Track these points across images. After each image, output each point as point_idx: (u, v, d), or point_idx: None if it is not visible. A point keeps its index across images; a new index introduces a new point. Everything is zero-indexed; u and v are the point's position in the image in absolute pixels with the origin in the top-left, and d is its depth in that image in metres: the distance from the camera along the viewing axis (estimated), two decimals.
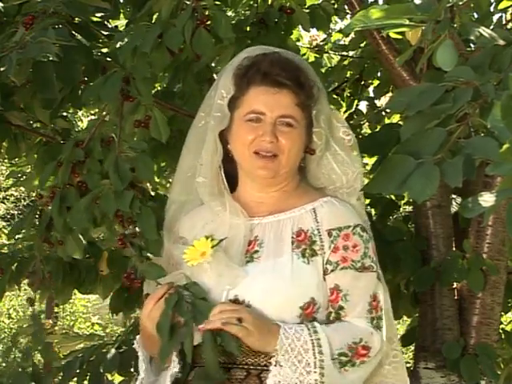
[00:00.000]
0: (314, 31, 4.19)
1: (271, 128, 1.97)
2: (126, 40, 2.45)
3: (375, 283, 2.00)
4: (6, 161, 6.77)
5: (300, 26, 3.45)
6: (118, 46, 2.53)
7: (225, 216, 2.05)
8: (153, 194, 3.21)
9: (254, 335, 1.87)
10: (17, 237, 3.41)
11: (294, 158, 2.02)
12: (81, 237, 2.36)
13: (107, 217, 2.24)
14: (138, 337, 2.06)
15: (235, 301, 1.96)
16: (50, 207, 2.29)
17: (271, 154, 1.98)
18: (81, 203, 2.21)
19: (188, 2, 2.38)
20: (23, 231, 2.91)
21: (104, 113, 2.42)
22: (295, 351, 1.87)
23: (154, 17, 2.69)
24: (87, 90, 2.44)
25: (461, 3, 1.70)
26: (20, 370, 2.61)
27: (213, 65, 3.27)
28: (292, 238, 1.99)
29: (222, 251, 1.99)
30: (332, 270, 1.97)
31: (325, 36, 4.52)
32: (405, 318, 3.96)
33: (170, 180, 4.66)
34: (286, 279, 1.94)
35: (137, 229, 2.19)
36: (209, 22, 2.35)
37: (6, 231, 9.63)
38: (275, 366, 1.87)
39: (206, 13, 2.36)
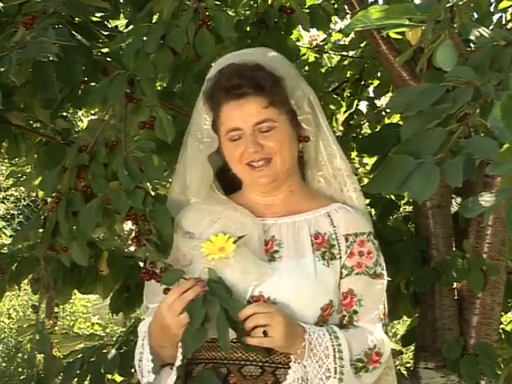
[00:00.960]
0: (314, 31, 4.19)
1: (252, 138, 1.99)
2: (127, 42, 2.45)
3: (384, 290, 2.04)
4: (6, 161, 6.77)
5: (300, 26, 3.45)
6: (119, 47, 2.53)
7: (234, 215, 2.07)
8: (153, 193, 3.21)
9: (279, 342, 1.88)
10: None
11: (288, 154, 2.03)
12: (85, 243, 2.35)
13: (109, 215, 2.23)
14: (143, 332, 2.05)
15: (259, 297, 1.96)
16: (54, 213, 2.27)
17: (263, 161, 2.00)
18: (91, 205, 2.19)
19: (188, 3, 2.38)
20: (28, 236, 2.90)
21: (107, 116, 2.41)
22: (317, 356, 1.90)
23: (155, 17, 2.69)
24: (93, 91, 2.44)
25: (461, 3, 1.70)
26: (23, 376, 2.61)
27: (212, 65, 3.26)
28: (311, 240, 2.02)
29: (245, 248, 2.00)
30: (347, 275, 2.01)
31: (325, 36, 4.52)
32: (405, 318, 3.95)
33: (170, 180, 4.67)
34: (311, 280, 1.97)
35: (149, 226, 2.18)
36: (210, 23, 2.35)
37: (6, 231, 9.62)
38: (295, 363, 1.91)
39: (208, 13, 2.36)
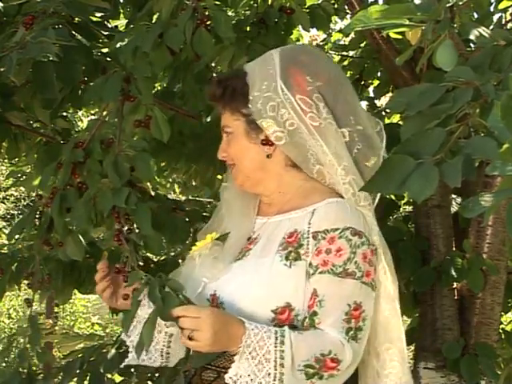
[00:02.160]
0: (314, 31, 4.19)
1: (221, 144, 2.09)
2: (126, 40, 2.45)
3: (359, 291, 1.91)
4: (6, 161, 6.77)
5: (300, 26, 3.44)
6: (118, 46, 2.52)
7: (235, 211, 2.10)
8: (153, 193, 3.22)
9: (205, 348, 1.83)
10: (17, 237, 3.40)
11: (247, 159, 2.04)
12: (81, 238, 2.36)
13: (103, 214, 2.24)
14: None
15: (213, 296, 1.96)
16: (49, 208, 2.28)
17: (231, 165, 2.08)
18: (79, 202, 2.21)
19: (188, 2, 2.38)
20: (23, 231, 2.90)
21: (104, 113, 2.42)
22: (256, 360, 1.82)
23: (154, 17, 2.69)
24: (88, 90, 2.44)
25: (461, 3, 1.70)
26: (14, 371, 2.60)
27: (213, 65, 3.27)
28: (283, 238, 1.97)
29: (220, 245, 2.01)
30: (312, 274, 1.91)
31: (325, 36, 4.52)
32: (405, 317, 3.95)
33: (170, 180, 4.67)
34: (260, 280, 1.92)
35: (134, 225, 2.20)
36: (209, 22, 2.35)
37: (6, 231, 9.62)
38: (236, 363, 1.83)
39: (206, 13, 2.36)
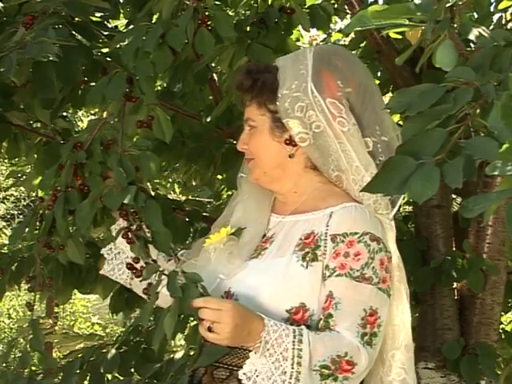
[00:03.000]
0: (314, 31, 4.19)
1: (242, 135, 2.07)
2: (127, 41, 2.45)
3: (375, 297, 1.91)
4: (6, 161, 6.77)
5: (300, 26, 3.44)
6: (118, 47, 2.53)
7: (250, 207, 2.10)
8: (153, 193, 3.22)
9: (224, 341, 1.83)
10: None
11: (266, 157, 2.03)
12: (81, 241, 2.36)
13: (109, 214, 2.24)
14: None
15: (228, 292, 1.96)
16: (50, 210, 2.28)
17: (249, 158, 2.06)
18: (85, 202, 2.21)
19: (188, 2, 2.38)
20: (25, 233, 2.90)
21: (105, 114, 2.42)
22: (273, 357, 1.82)
23: (154, 17, 2.69)
24: (91, 91, 2.44)
25: (461, 3, 1.70)
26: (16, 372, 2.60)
27: (213, 65, 3.27)
28: (300, 239, 1.97)
29: (235, 240, 2.02)
30: (329, 276, 1.91)
31: (325, 36, 4.52)
32: None
33: (170, 180, 4.67)
34: (276, 279, 1.92)
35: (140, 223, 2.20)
36: (209, 22, 2.35)
37: (6, 231, 9.62)
38: (251, 359, 1.84)
39: (207, 13, 2.36)
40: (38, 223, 2.31)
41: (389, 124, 2.06)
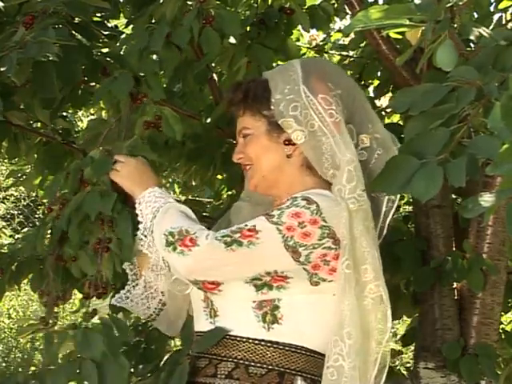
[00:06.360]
0: (313, 31, 4.19)
1: (237, 147, 2.12)
2: (131, 43, 2.46)
3: (262, 223, 1.92)
4: (6, 161, 6.77)
5: (300, 26, 3.44)
6: (124, 49, 2.53)
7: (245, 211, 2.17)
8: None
9: (122, 178, 2.13)
10: (16, 236, 3.39)
11: (266, 160, 2.06)
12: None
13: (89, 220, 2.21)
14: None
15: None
16: (60, 220, 2.23)
17: (247, 167, 2.10)
18: (69, 205, 2.18)
19: (190, 2, 2.39)
20: (23, 230, 2.90)
21: (104, 114, 2.42)
22: (140, 215, 2.07)
23: (154, 18, 2.69)
24: (97, 90, 2.44)
25: (461, 3, 1.70)
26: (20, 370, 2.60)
27: (213, 65, 3.27)
28: None
29: None
30: None
31: (325, 36, 4.52)
32: (405, 317, 3.95)
33: (170, 180, 4.66)
34: None
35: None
36: (214, 22, 2.36)
37: (6, 231, 9.61)
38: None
39: (212, 13, 2.37)
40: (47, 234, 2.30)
41: (381, 126, 2.12)
